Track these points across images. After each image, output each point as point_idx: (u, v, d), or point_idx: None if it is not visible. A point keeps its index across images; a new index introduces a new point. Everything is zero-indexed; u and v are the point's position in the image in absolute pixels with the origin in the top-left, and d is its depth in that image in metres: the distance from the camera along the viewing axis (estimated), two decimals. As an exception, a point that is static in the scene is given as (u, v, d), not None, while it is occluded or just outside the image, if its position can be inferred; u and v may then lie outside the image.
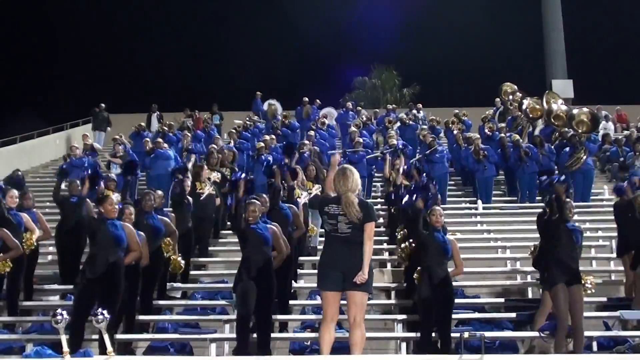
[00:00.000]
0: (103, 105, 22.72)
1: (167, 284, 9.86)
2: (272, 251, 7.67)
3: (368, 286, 6.07)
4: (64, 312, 5.91)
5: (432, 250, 7.67)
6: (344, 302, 6.18)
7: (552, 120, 15.44)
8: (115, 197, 8.10)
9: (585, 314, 8.72)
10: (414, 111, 21.45)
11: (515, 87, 19.05)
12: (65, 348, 5.97)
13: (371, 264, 6.17)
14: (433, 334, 7.65)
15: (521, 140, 15.16)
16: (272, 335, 7.94)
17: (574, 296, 7.50)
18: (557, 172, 15.68)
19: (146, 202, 8.83)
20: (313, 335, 8.28)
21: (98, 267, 7.14)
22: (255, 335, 7.50)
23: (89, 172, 10.94)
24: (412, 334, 7.93)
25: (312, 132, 16.90)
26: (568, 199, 7.92)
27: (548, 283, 7.70)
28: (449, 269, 7.82)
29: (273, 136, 16.85)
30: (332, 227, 6.06)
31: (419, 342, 7.69)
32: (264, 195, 8.60)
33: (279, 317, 8.44)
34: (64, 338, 5.94)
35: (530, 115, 16.67)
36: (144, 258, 7.94)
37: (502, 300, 9.45)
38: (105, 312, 6.12)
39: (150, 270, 8.29)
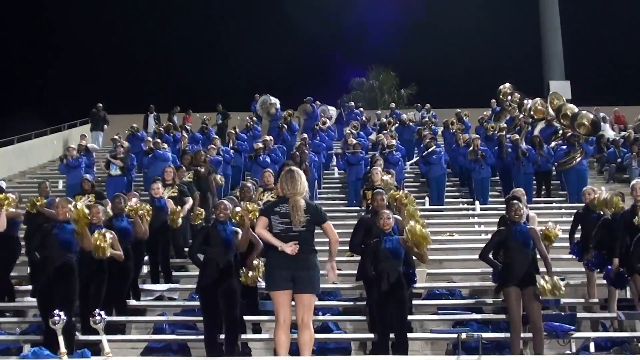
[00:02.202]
0: (100, 105, 22.69)
1: (166, 284, 9.92)
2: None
3: (315, 287, 6.09)
4: (61, 313, 5.92)
5: (383, 255, 7.46)
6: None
7: (561, 118, 15.54)
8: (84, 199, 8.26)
9: (583, 314, 8.78)
10: (424, 111, 21.55)
11: (512, 86, 19.16)
12: (63, 349, 5.97)
13: (319, 265, 6.18)
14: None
15: (520, 141, 15.19)
16: (271, 336, 7.94)
17: (528, 298, 7.44)
18: (554, 173, 15.87)
19: (115, 205, 8.92)
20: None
21: (48, 271, 7.26)
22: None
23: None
24: (411, 335, 7.91)
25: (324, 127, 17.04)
26: (515, 201, 7.80)
27: (500, 286, 7.69)
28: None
29: (271, 137, 16.81)
30: (285, 226, 6.00)
31: (375, 344, 7.59)
32: (235, 199, 8.59)
33: (248, 318, 8.31)
34: (61, 339, 5.93)
35: (535, 117, 16.86)
36: (117, 256, 8.08)
37: (499, 300, 9.43)
38: (102, 313, 6.13)
39: (121, 271, 8.40)
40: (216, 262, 7.33)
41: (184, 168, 12.38)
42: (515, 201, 7.78)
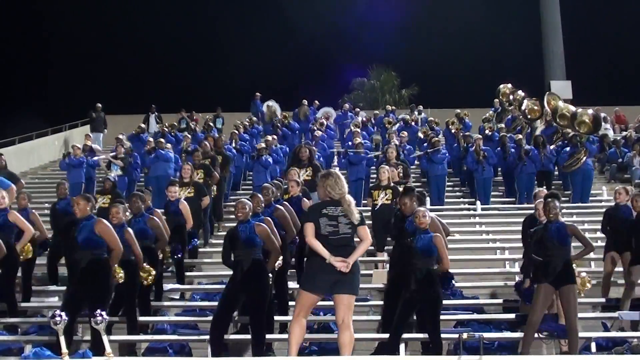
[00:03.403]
0: (100, 105, 22.72)
1: (166, 285, 9.90)
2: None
3: (355, 288, 6.04)
4: (63, 313, 5.91)
5: (414, 252, 7.48)
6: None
7: (557, 119, 15.46)
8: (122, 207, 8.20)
9: (584, 314, 8.75)
10: (416, 112, 21.54)
11: (511, 86, 19.16)
12: (64, 349, 5.96)
13: (360, 265, 6.17)
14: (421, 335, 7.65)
15: (521, 140, 15.18)
16: (272, 336, 7.95)
17: (566, 297, 7.35)
18: (555, 173, 15.85)
19: (133, 205, 8.77)
20: (313, 335, 8.29)
21: (81, 270, 7.10)
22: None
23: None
24: (411, 335, 7.92)
25: (318, 133, 17.08)
26: (550, 199, 7.74)
27: (533, 280, 7.66)
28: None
29: (274, 136, 16.90)
30: (333, 228, 5.97)
31: (387, 343, 7.54)
32: (259, 195, 8.61)
33: (278, 318, 8.42)
34: (62, 339, 5.93)
35: (529, 116, 16.77)
36: (137, 258, 8.01)
37: (500, 301, 9.45)
38: (104, 313, 6.12)
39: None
40: (242, 263, 7.37)
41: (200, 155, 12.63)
42: (551, 199, 7.68)
